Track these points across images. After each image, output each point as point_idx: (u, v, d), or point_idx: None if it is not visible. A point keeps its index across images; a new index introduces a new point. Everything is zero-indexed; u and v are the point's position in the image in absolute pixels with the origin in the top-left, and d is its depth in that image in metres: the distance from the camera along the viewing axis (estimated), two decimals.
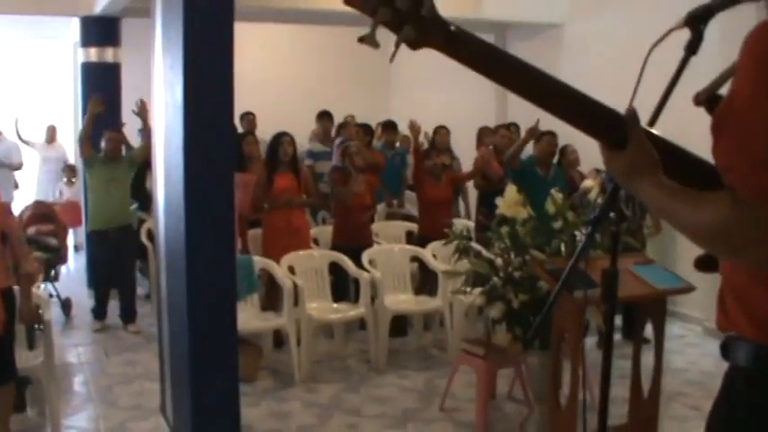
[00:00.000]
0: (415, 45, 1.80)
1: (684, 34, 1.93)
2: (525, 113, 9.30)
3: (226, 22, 4.59)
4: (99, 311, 8.43)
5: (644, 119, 1.93)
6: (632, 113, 1.84)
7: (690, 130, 2.00)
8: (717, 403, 1.89)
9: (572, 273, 2.18)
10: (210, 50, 4.60)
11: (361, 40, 1.84)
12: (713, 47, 1.95)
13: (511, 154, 7.98)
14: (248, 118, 11.43)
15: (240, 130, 10.50)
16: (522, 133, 8.59)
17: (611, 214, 2.13)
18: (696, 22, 1.88)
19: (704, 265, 1.97)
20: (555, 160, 8.36)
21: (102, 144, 8.35)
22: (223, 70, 4.61)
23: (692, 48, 1.90)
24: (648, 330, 5.50)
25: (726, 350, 1.86)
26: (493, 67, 1.86)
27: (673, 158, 1.87)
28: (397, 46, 1.83)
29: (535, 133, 7.86)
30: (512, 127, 9.93)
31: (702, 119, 1.86)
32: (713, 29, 1.95)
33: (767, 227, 1.61)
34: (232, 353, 4.93)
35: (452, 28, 1.80)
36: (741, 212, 1.62)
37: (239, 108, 10.30)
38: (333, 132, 10.71)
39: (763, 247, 1.65)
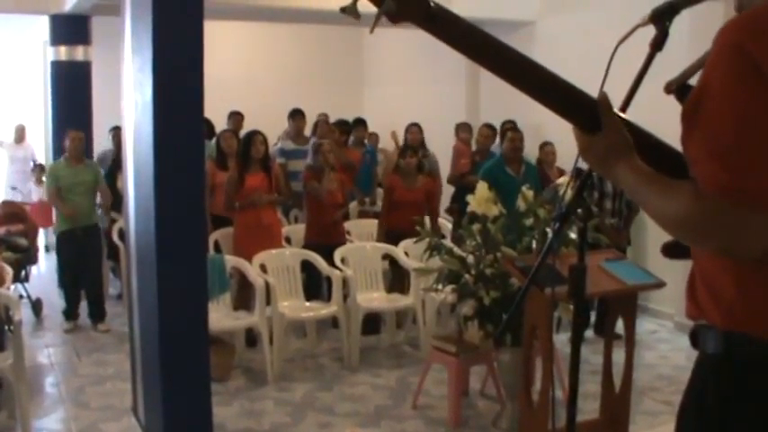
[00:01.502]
0: (395, 18, 1.82)
1: (652, 31, 1.95)
2: (497, 110, 9.36)
3: (195, 20, 4.58)
4: (70, 312, 8.37)
5: (641, 110, 1.95)
6: (605, 97, 1.86)
7: (658, 126, 2.01)
8: (687, 391, 1.91)
9: (541, 269, 2.18)
10: (180, 49, 4.58)
11: (343, 10, 1.86)
12: (682, 42, 1.96)
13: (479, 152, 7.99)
14: (236, 118, 11.40)
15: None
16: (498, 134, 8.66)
17: (578, 210, 2.14)
18: (661, 18, 1.90)
19: (671, 251, 1.99)
20: (535, 159, 8.37)
21: (66, 143, 8.29)
22: (193, 70, 4.60)
23: (658, 44, 1.91)
24: (620, 326, 5.54)
25: (695, 338, 1.88)
26: (470, 45, 1.88)
27: (644, 144, 1.89)
28: (378, 18, 1.84)
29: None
30: (507, 125, 9.91)
31: (672, 114, 1.87)
32: (682, 24, 1.97)
33: (726, 220, 1.64)
34: (203, 352, 4.93)
35: (432, 4, 1.82)
36: (703, 205, 1.65)
37: (209, 107, 10.32)
38: (306, 131, 10.68)
39: (725, 238, 1.67)
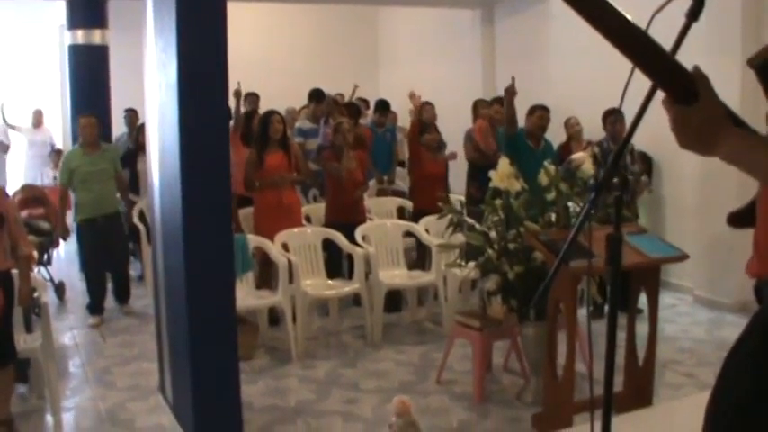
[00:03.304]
0: None
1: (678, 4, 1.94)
2: None
3: (218, 0, 4.59)
4: (94, 306, 8.19)
5: (644, 89, 1.95)
6: (700, 71, 1.84)
7: None
8: (742, 338, 1.93)
9: (564, 243, 2.20)
10: (204, 29, 4.60)
11: None
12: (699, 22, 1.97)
13: (507, 120, 7.97)
14: (251, 98, 11.41)
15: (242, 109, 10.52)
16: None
17: (614, 180, 2.15)
18: None
19: (739, 220, 2.00)
20: (559, 137, 8.38)
21: (78, 131, 8.24)
22: (217, 49, 4.61)
23: (694, 14, 1.91)
24: (641, 300, 5.57)
25: (759, 293, 1.90)
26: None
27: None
28: None
29: (512, 92, 7.86)
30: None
31: None
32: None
33: None
34: (231, 331, 4.97)
35: None
36: None
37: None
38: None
39: None
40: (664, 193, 8.91)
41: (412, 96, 8.99)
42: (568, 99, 9.64)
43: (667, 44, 1.97)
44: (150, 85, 5.41)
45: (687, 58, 1.91)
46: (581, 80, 9.68)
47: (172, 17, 4.56)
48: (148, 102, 5.52)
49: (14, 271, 5.26)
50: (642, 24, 1.94)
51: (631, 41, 1.80)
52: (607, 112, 8.26)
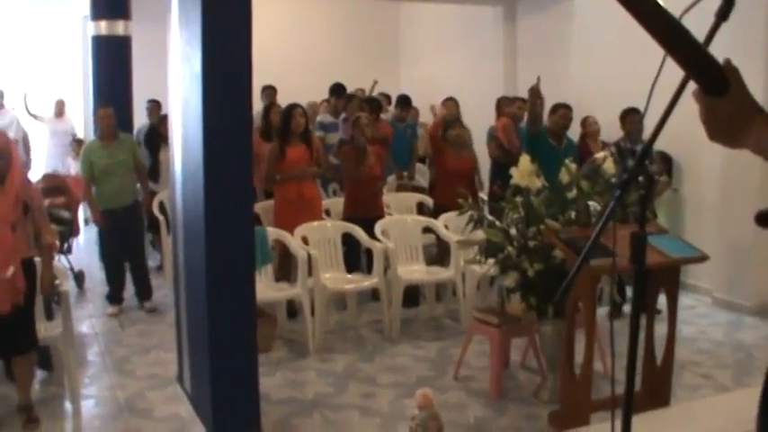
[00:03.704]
0: None
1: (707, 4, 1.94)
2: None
3: None
4: (113, 296, 8.22)
5: (667, 88, 1.95)
6: (732, 63, 1.83)
7: None
8: None
9: (584, 241, 2.20)
10: (229, 21, 4.62)
11: None
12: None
13: (531, 118, 7.96)
14: (268, 91, 11.44)
15: (259, 102, 10.56)
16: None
17: (640, 178, 2.15)
18: None
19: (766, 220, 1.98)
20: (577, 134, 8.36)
21: (97, 122, 8.22)
22: (241, 41, 4.64)
23: (723, 14, 1.91)
24: (660, 301, 5.56)
25: None
26: None
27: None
28: None
29: (536, 91, 7.85)
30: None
31: None
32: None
33: None
34: (251, 322, 4.99)
35: None
36: None
37: (257, 82, 10.38)
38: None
39: None
40: (683, 193, 8.87)
41: (433, 109, 8.97)
42: (589, 97, 9.61)
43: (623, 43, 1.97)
44: (174, 77, 5.44)
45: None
46: (602, 78, 9.65)
47: (197, 10, 4.58)
48: (172, 93, 5.54)
49: (37, 259, 5.29)
50: None
51: (666, 29, 1.79)
52: (625, 112, 8.24)
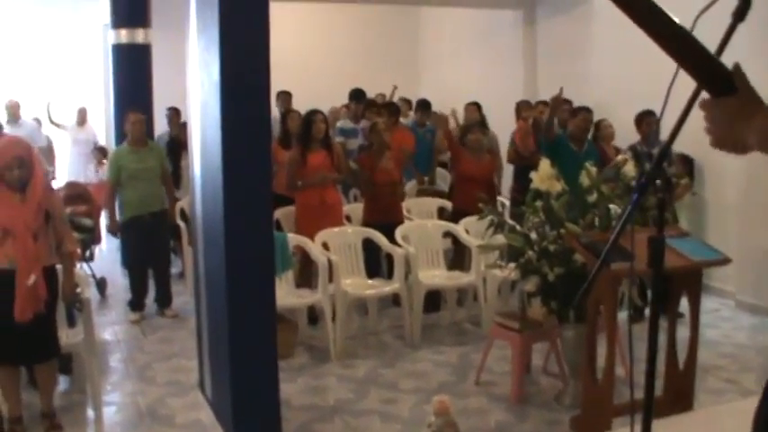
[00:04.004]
0: None
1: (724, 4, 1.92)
2: (555, 89, 9.27)
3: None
4: (135, 303, 8.24)
5: (685, 91, 1.94)
6: (739, 67, 1.83)
7: None
8: None
9: (613, 243, 2.19)
10: (247, 28, 4.63)
11: None
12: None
13: (545, 126, 7.93)
14: (283, 97, 11.46)
15: (275, 108, 10.59)
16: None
17: (657, 181, 2.13)
18: None
19: None
20: (590, 136, 8.31)
21: (127, 127, 8.23)
22: (259, 48, 4.64)
23: (740, 14, 1.89)
24: (683, 305, 5.52)
25: None
26: None
27: None
28: None
29: (559, 101, 7.84)
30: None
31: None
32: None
33: None
34: (271, 329, 4.99)
35: None
36: None
37: (276, 87, 10.38)
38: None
39: None
40: (705, 196, 8.81)
41: (453, 114, 8.91)
42: (609, 100, 9.58)
43: (712, 45, 1.95)
44: (193, 84, 5.45)
45: (729, 59, 1.89)
46: (622, 81, 9.60)
47: (215, 16, 4.60)
48: (191, 100, 5.55)
49: (59, 267, 5.32)
50: (687, 24, 1.93)
51: (672, 37, 1.79)
52: (641, 115, 8.20)
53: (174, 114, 10.98)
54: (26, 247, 4.93)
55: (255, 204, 4.81)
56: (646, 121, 8.08)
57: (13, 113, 11.23)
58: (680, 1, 2.12)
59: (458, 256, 8.28)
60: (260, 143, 4.79)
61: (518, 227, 5.89)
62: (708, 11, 1.92)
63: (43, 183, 5.19)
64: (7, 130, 10.07)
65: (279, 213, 8.28)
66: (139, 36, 10.18)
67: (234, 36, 4.59)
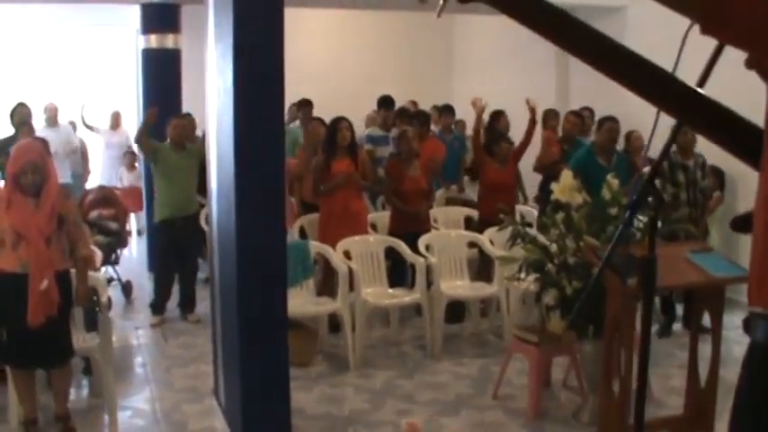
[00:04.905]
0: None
1: None
2: (586, 98, 9.17)
3: (275, 7, 4.58)
4: (157, 306, 8.27)
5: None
6: None
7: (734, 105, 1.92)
8: (739, 379, 1.85)
9: (621, 258, 2.13)
10: (260, 36, 4.61)
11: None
12: None
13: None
14: (305, 109, 11.27)
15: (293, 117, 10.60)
16: (596, 118, 8.49)
17: (649, 198, 2.06)
18: None
19: (740, 225, 1.90)
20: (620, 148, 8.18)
21: (168, 131, 8.28)
22: (273, 56, 4.61)
23: None
24: (707, 320, 5.40)
25: (747, 326, 1.80)
26: (551, 25, 1.78)
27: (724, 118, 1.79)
28: (444, 2, 1.75)
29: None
30: (585, 112, 9.76)
31: (748, 91, 1.79)
32: None
33: None
34: (282, 337, 4.95)
35: None
36: None
37: (300, 95, 10.35)
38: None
39: None
40: (737, 209, 8.65)
41: (474, 103, 8.74)
42: (642, 111, 9.43)
43: (705, 54, 1.89)
44: (210, 92, 5.44)
45: (724, 71, 1.83)
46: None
47: (229, 23, 4.58)
48: (209, 108, 5.55)
49: (73, 271, 5.33)
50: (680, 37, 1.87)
51: (608, 56, 1.76)
52: (678, 125, 8.04)
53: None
54: (39, 251, 4.95)
55: (268, 211, 4.78)
56: (682, 131, 7.93)
57: (52, 117, 11.30)
58: (648, 12, 2.04)
59: (483, 267, 8.19)
60: (273, 151, 4.76)
61: (539, 237, 5.80)
62: (670, 21, 1.87)
63: (57, 187, 5.20)
64: (45, 133, 10.12)
65: (304, 221, 8.27)
66: (169, 41, 10.20)
67: (248, 43, 4.57)
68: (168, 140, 8.28)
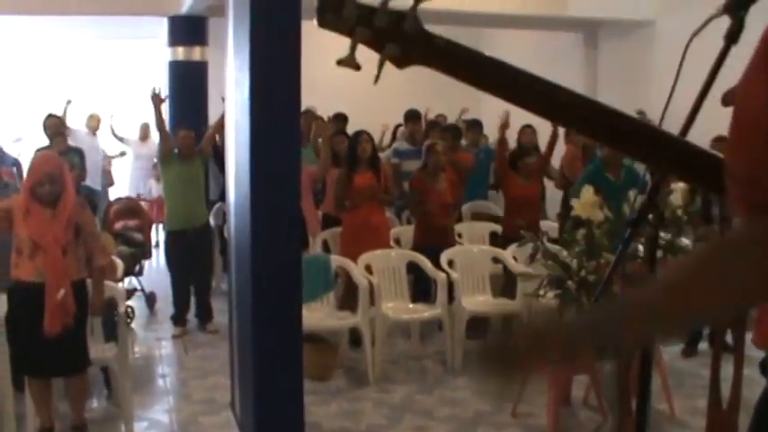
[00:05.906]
0: (400, 63, 1.69)
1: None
2: None
3: (293, 20, 4.57)
4: (178, 318, 8.28)
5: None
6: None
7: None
8: (751, 422, 1.76)
9: (608, 279, 2.07)
10: (277, 48, 4.58)
11: (340, 62, 1.73)
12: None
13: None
14: (339, 126, 11.20)
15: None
16: None
17: (650, 216, 2.01)
18: (736, 8, 1.76)
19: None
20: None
21: (176, 142, 8.32)
22: (290, 69, 4.59)
23: (733, 36, 1.78)
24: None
25: (764, 367, 1.71)
26: (491, 80, 1.74)
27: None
28: (381, 65, 1.71)
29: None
30: None
31: None
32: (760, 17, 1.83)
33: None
34: (296, 350, 4.92)
35: (440, 42, 1.67)
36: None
37: (330, 108, 10.33)
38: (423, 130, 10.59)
39: None
40: None
41: (504, 115, 8.62)
42: (671, 127, 9.34)
43: (705, 68, 1.85)
44: (229, 105, 5.45)
45: (726, 81, 1.79)
46: (685, 108, 9.37)
47: (246, 36, 4.57)
48: (228, 119, 5.55)
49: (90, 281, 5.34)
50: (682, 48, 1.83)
51: (558, 107, 1.72)
52: (715, 140, 7.93)
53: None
54: (55, 261, 4.98)
55: (283, 225, 4.76)
56: (718, 146, 7.82)
57: (94, 126, 11.43)
58: (678, 27, 2.00)
59: (508, 283, 8.11)
60: (288, 163, 4.73)
61: (562, 253, 5.73)
62: (700, 34, 1.82)
63: (74, 198, 5.23)
64: (89, 140, 10.29)
65: (326, 234, 8.24)
66: (196, 53, 10.25)
67: (264, 56, 4.55)
68: (176, 151, 8.31)
